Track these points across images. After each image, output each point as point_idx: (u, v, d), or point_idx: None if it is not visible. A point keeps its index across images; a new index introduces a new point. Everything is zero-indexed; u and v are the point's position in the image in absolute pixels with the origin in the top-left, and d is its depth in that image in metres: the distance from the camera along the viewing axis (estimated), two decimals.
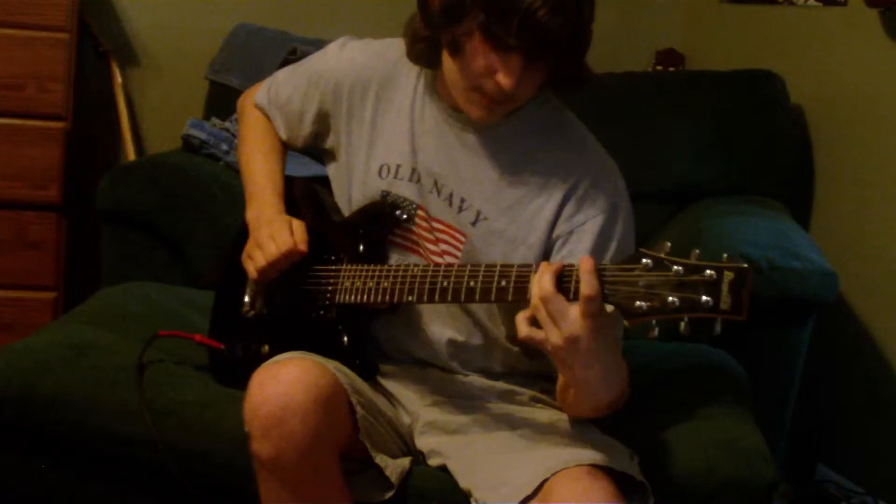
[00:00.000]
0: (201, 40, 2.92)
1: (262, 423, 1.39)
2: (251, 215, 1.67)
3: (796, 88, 2.63)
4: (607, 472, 1.39)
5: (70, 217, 2.67)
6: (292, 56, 2.81)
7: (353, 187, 1.65)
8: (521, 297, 1.32)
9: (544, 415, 1.59)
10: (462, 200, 1.57)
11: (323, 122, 1.70)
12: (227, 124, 2.69)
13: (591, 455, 1.40)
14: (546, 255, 1.53)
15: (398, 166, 1.61)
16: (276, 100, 1.76)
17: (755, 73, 2.67)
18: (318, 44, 2.81)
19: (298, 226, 1.61)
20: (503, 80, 1.41)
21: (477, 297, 1.37)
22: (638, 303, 1.17)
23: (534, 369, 1.65)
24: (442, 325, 1.61)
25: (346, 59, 1.68)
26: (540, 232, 1.53)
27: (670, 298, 1.15)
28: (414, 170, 1.60)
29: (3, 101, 2.58)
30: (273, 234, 1.59)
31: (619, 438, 1.52)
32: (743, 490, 1.55)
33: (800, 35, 2.72)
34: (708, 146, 2.63)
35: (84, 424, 1.65)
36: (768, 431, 1.67)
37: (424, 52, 1.54)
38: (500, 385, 1.63)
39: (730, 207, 2.36)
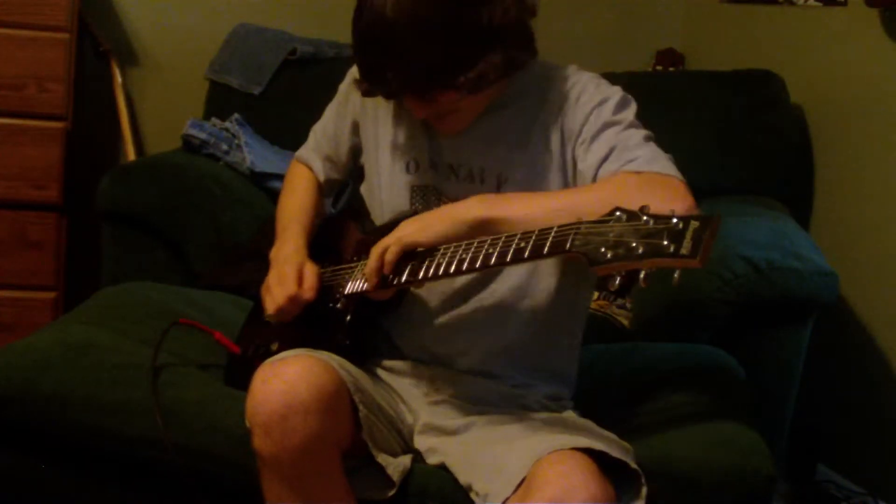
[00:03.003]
0: (201, 40, 2.92)
1: (264, 421, 1.40)
2: (272, 252, 1.71)
3: (796, 88, 2.64)
4: (597, 458, 1.39)
5: (70, 217, 2.67)
6: (292, 56, 2.82)
7: (382, 189, 1.67)
8: (502, 260, 1.34)
9: (543, 415, 1.60)
10: (482, 170, 1.59)
11: (356, 133, 1.74)
12: (227, 124, 2.70)
13: (577, 439, 1.40)
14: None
15: (419, 160, 1.63)
16: (314, 140, 1.83)
17: (755, 73, 2.67)
18: (318, 44, 2.83)
19: (310, 270, 1.63)
20: (415, 114, 1.53)
21: (465, 266, 1.39)
22: (603, 249, 1.19)
23: (547, 384, 1.66)
24: (458, 319, 1.62)
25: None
26: (557, 171, 1.57)
27: (634, 244, 1.17)
28: (433, 160, 1.63)
29: (3, 101, 2.58)
30: (281, 279, 1.62)
31: (618, 436, 1.52)
32: (741, 484, 1.55)
33: (800, 35, 2.72)
34: (708, 146, 2.63)
35: (84, 423, 1.65)
36: (768, 431, 1.67)
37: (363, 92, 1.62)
38: (506, 389, 1.63)
39: (730, 207, 2.36)
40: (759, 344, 2.02)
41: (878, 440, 2.40)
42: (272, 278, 1.64)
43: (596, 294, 2.42)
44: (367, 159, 1.72)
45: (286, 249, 1.68)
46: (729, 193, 2.53)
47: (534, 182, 1.57)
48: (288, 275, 1.62)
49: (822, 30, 2.62)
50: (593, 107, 1.55)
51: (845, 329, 2.46)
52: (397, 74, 1.46)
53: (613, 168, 1.49)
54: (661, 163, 1.49)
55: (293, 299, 1.60)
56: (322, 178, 1.81)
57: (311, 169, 1.83)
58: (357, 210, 1.76)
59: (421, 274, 1.45)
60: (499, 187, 1.58)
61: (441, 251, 1.44)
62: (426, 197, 1.63)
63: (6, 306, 2.62)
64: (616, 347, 2.02)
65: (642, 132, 1.54)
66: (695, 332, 2.00)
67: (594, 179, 1.50)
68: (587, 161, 1.52)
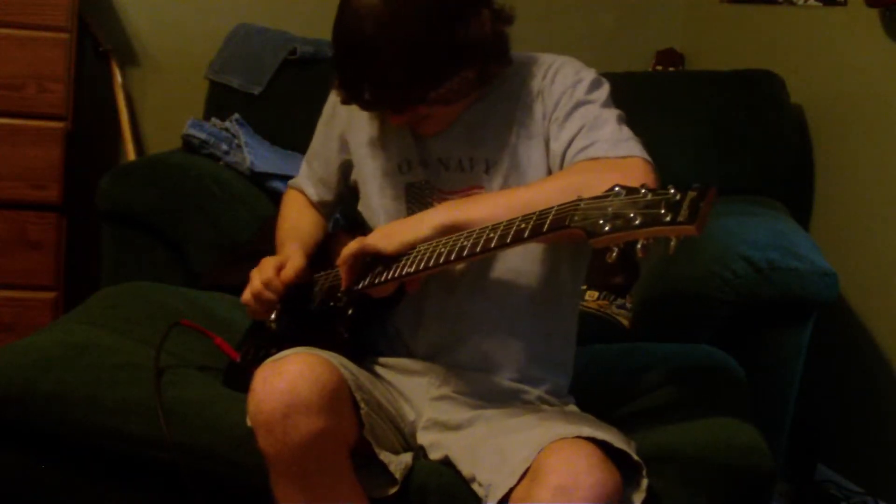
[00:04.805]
0: (201, 40, 2.92)
1: (265, 419, 1.40)
2: None
3: (796, 88, 2.64)
4: (597, 447, 1.39)
5: (70, 217, 2.67)
6: (292, 56, 2.81)
7: (378, 194, 1.68)
8: (503, 242, 1.35)
9: (545, 408, 1.61)
10: (470, 159, 1.62)
11: (345, 150, 1.76)
12: (227, 124, 2.70)
13: (581, 429, 1.41)
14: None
15: (410, 159, 1.65)
16: (306, 166, 1.85)
17: (755, 73, 2.67)
18: (318, 44, 2.82)
19: (291, 264, 1.65)
20: (390, 121, 1.56)
21: (466, 252, 1.40)
22: (601, 221, 1.21)
23: (549, 376, 1.67)
24: (462, 309, 1.63)
25: None
26: (539, 149, 1.59)
27: (632, 214, 1.19)
28: (422, 158, 1.64)
29: (3, 101, 2.58)
30: (260, 268, 1.66)
31: None
32: (741, 483, 1.56)
33: (800, 35, 2.72)
34: (708, 146, 2.63)
35: (85, 423, 1.65)
36: (768, 431, 1.67)
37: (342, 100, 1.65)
38: (509, 384, 1.64)
39: (729, 207, 2.35)
40: (759, 344, 2.02)
41: (878, 440, 2.40)
42: (254, 270, 1.67)
43: (596, 294, 2.42)
44: (359, 169, 1.73)
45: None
46: (729, 193, 2.53)
47: (520, 164, 1.59)
48: (266, 263, 1.65)
49: (822, 30, 2.62)
50: (567, 86, 1.58)
51: (845, 329, 2.46)
52: (372, 90, 1.49)
53: (581, 145, 1.52)
54: (625, 145, 1.51)
55: (267, 284, 1.62)
56: (316, 199, 1.84)
57: (305, 194, 1.85)
58: (356, 223, 1.77)
59: (414, 266, 1.46)
60: (487, 171, 1.60)
61: (443, 241, 1.45)
62: (421, 193, 1.64)
63: (6, 306, 2.63)
64: (616, 347, 2.02)
65: (614, 112, 1.57)
66: (695, 332, 2.00)
67: (563, 157, 1.54)
68: (559, 139, 1.55)
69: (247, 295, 1.65)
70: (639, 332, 2.16)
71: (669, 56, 3.03)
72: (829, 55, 2.61)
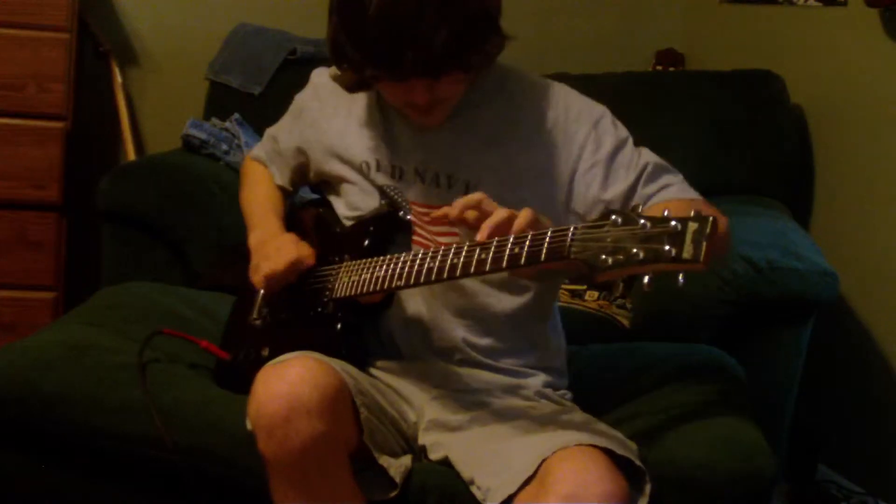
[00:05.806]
0: (201, 40, 2.92)
1: (266, 423, 1.39)
2: (253, 239, 1.72)
3: (796, 88, 2.64)
4: (605, 454, 1.39)
5: (70, 217, 2.67)
6: (292, 56, 2.82)
7: (351, 193, 1.68)
8: (498, 266, 1.32)
9: (547, 408, 1.60)
10: (448, 177, 1.61)
11: (303, 154, 1.76)
12: (227, 124, 2.70)
13: (588, 437, 1.41)
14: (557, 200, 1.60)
15: (377, 161, 1.65)
16: (272, 147, 1.84)
17: (755, 73, 2.67)
18: (318, 44, 2.82)
19: (305, 244, 1.66)
20: (417, 100, 1.50)
21: (459, 272, 1.38)
22: (603, 256, 1.18)
23: (540, 363, 1.67)
24: (456, 314, 1.64)
25: (316, 83, 1.75)
26: (533, 178, 1.58)
27: (634, 250, 1.16)
28: (394, 166, 1.64)
29: (3, 101, 2.58)
30: (280, 247, 1.65)
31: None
32: (745, 484, 1.55)
33: (800, 35, 2.72)
34: (708, 146, 2.63)
35: (86, 423, 1.65)
36: (768, 432, 1.67)
37: (351, 86, 1.65)
38: (506, 379, 1.64)
39: (729, 207, 2.34)
40: (759, 344, 2.02)
41: (878, 440, 2.40)
42: (271, 248, 1.66)
43: (596, 294, 2.42)
44: (329, 170, 1.71)
45: (272, 230, 1.71)
46: (729, 193, 2.53)
47: (506, 186, 1.57)
48: (287, 243, 1.65)
49: (822, 30, 2.62)
50: (592, 123, 1.59)
51: (845, 329, 2.46)
52: (417, 54, 1.43)
53: (655, 188, 1.58)
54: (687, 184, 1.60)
55: (295, 263, 1.61)
56: (278, 182, 1.83)
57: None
58: (325, 202, 1.76)
59: (403, 280, 1.45)
60: (466, 194, 1.57)
61: (430, 255, 1.44)
62: (394, 196, 1.64)
63: (6, 306, 2.63)
64: (616, 347, 2.02)
65: (647, 149, 1.61)
66: (695, 331, 2.00)
67: (626, 201, 1.55)
68: (617, 182, 1.57)
69: (268, 270, 1.62)
70: (639, 332, 2.17)
71: (669, 56, 3.04)
72: (829, 55, 2.61)
